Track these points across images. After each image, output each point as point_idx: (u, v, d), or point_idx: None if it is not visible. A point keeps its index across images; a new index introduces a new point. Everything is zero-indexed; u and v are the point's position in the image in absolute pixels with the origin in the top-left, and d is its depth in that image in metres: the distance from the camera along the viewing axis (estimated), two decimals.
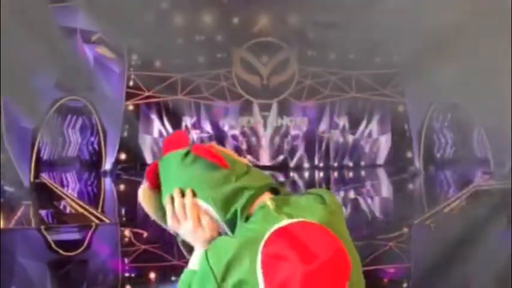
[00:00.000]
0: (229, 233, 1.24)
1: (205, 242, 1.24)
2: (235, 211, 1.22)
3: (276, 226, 1.10)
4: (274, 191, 1.29)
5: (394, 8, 11.99)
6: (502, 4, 10.99)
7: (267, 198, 1.23)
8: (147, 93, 17.44)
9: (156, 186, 1.34)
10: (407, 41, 12.80)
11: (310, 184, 16.08)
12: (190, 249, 1.31)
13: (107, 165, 16.50)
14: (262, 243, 1.07)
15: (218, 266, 1.13)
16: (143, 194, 1.37)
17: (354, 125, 18.44)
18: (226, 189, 1.23)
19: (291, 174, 17.45)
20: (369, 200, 13.12)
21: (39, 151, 14.24)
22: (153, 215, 1.38)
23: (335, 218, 1.22)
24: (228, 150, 1.34)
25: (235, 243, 1.14)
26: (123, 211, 11.62)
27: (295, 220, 1.12)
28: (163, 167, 1.32)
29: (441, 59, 12.08)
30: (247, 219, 1.22)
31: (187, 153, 1.28)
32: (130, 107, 17.46)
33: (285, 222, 1.11)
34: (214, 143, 1.37)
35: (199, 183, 1.25)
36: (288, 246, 1.04)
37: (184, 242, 1.32)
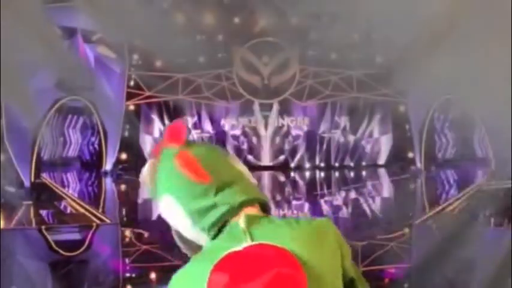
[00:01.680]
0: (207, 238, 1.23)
1: None
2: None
3: (232, 249, 1.10)
4: (265, 205, 1.28)
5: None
6: (503, 4, 10.97)
7: (242, 216, 1.20)
8: (147, 93, 17.43)
9: None
10: (404, 36, 12.76)
11: (311, 184, 16.08)
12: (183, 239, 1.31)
13: (108, 165, 16.49)
14: (211, 267, 1.08)
15: None
16: (146, 171, 1.34)
17: (355, 125, 18.41)
18: (202, 203, 1.21)
19: (292, 174, 17.44)
20: (370, 200, 13.11)
21: (39, 151, 14.22)
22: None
23: (309, 245, 1.16)
24: (219, 157, 1.30)
25: (190, 273, 1.16)
26: (123, 211, 11.62)
27: (252, 243, 1.12)
28: (160, 160, 1.30)
29: (439, 55, 12.07)
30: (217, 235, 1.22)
31: (174, 156, 1.26)
32: (131, 107, 17.44)
33: (242, 245, 1.11)
34: (206, 148, 1.33)
35: (180, 192, 1.24)
36: (230, 271, 1.05)
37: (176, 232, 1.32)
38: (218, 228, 1.21)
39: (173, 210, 1.25)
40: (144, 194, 13.96)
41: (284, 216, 1.34)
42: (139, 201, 12.96)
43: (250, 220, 1.19)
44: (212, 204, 1.21)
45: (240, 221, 1.19)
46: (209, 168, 1.23)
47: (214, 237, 1.21)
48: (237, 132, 18.19)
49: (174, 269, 1.20)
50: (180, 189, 1.23)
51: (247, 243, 1.12)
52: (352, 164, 18.39)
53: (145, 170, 1.34)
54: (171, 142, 1.28)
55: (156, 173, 1.30)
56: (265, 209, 1.28)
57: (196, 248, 1.28)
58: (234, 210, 1.21)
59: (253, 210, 1.23)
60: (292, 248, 1.11)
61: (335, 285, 1.16)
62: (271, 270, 1.04)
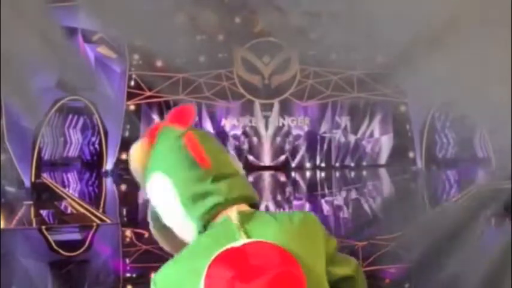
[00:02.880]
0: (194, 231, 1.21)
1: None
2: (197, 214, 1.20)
3: (230, 245, 1.09)
4: (254, 205, 1.26)
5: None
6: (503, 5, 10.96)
7: (234, 211, 1.19)
8: (148, 93, 17.42)
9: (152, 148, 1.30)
10: (404, 35, 12.75)
11: (312, 184, 16.06)
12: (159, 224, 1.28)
13: (108, 165, 16.49)
14: (209, 262, 1.06)
15: None
16: (138, 148, 1.31)
17: (356, 125, 18.41)
18: (197, 188, 1.19)
19: (293, 174, 17.43)
20: (371, 200, 13.10)
21: (40, 151, 14.23)
22: (137, 170, 1.32)
23: (300, 240, 1.16)
24: (221, 149, 1.30)
25: (181, 269, 1.13)
26: (124, 211, 11.62)
27: (250, 240, 1.11)
28: (159, 138, 1.28)
29: (440, 55, 12.06)
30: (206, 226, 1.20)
31: (180, 136, 1.24)
32: (132, 107, 17.44)
33: (240, 242, 1.10)
34: (210, 137, 1.33)
35: (177, 174, 1.21)
36: (233, 268, 1.04)
37: (154, 214, 1.29)
38: (207, 220, 1.19)
39: (166, 193, 1.22)
40: (144, 194, 13.95)
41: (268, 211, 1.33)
42: (140, 201, 12.96)
43: (243, 217, 1.17)
44: (207, 191, 1.19)
45: (233, 216, 1.17)
46: (211, 155, 1.22)
47: (202, 230, 1.19)
48: (238, 132, 18.18)
49: None
50: (179, 170, 1.21)
51: (243, 240, 1.11)
52: (352, 164, 18.38)
53: (137, 147, 1.31)
54: (179, 123, 1.26)
55: (151, 152, 1.27)
56: (253, 208, 1.26)
57: (172, 240, 1.26)
58: (227, 203, 1.19)
59: (244, 208, 1.22)
60: (286, 244, 1.11)
61: (323, 278, 1.17)
62: (274, 269, 1.04)
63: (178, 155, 1.22)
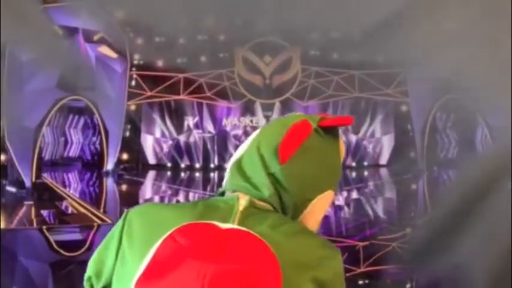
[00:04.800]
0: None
1: None
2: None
3: (212, 222, 1.00)
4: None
5: None
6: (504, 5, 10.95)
7: (248, 199, 1.12)
8: (149, 93, 17.41)
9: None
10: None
11: None
12: None
13: (109, 165, 16.47)
14: (182, 224, 0.98)
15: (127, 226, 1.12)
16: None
17: (357, 124, 18.40)
18: (259, 167, 1.17)
19: None
20: (372, 200, 13.08)
21: (40, 151, 14.23)
22: None
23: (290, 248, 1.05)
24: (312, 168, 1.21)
25: (158, 215, 1.10)
26: (125, 211, 11.58)
27: (234, 227, 1.01)
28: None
29: (441, 55, 12.03)
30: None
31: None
32: (133, 107, 17.43)
33: (226, 225, 1.00)
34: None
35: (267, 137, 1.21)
36: (197, 242, 0.94)
37: None
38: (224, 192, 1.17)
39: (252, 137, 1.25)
40: (145, 194, 13.97)
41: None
42: (141, 201, 12.96)
43: (249, 210, 1.11)
44: (265, 171, 1.15)
45: (242, 201, 1.12)
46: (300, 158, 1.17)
47: (216, 194, 1.18)
48: (239, 132, 18.16)
49: None
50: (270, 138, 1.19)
51: (231, 225, 1.03)
52: (354, 164, 18.37)
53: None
54: (339, 124, 1.21)
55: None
56: None
57: None
58: (252, 192, 1.15)
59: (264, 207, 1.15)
60: (270, 235, 1.03)
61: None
62: (245, 264, 0.93)
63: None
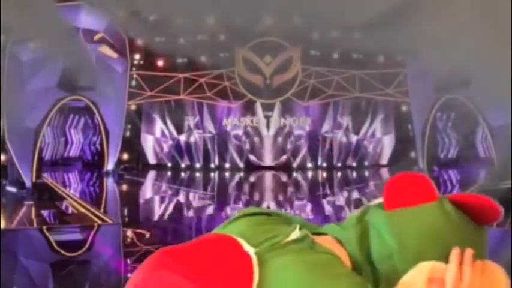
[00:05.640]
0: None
1: None
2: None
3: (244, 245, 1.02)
4: None
5: None
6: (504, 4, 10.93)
7: (304, 232, 1.11)
8: (149, 93, 17.42)
9: None
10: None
11: (313, 184, 16.03)
12: None
13: (109, 165, 16.47)
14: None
15: None
16: None
17: (357, 124, 18.39)
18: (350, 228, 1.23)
19: (294, 174, 17.40)
20: (373, 201, 13.03)
21: (41, 151, 14.23)
22: None
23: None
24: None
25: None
26: (125, 211, 11.59)
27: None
28: None
29: (441, 55, 12.02)
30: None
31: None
32: (133, 107, 17.44)
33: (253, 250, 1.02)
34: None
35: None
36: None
37: None
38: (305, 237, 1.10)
39: None
40: (145, 194, 13.96)
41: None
42: (141, 201, 12.95)
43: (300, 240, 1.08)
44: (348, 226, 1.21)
45: (297, 230, 1.10)
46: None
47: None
48: (239, 132, 18.15)
49: None
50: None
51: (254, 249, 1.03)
52: (354, 164, 18.36)
53: None
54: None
55: None
56: None
57: None
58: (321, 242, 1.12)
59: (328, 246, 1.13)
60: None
61: None
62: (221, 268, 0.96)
63: None
